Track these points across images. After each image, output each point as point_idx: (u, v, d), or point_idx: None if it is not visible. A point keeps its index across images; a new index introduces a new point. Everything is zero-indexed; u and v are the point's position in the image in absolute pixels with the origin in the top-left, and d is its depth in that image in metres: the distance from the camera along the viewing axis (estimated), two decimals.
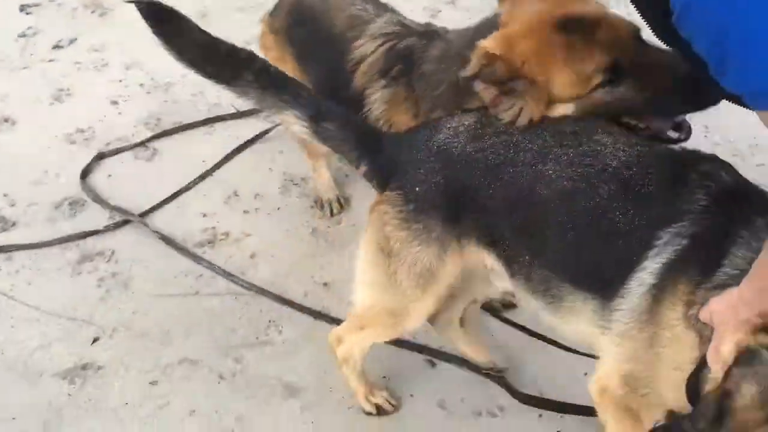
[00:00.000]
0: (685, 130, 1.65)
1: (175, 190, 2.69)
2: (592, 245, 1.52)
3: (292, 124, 1.72)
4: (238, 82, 1.67)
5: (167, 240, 2.48)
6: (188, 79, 3.15)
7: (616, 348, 1.50)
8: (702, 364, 1.28)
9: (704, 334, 1.28)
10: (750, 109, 1.17)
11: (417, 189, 1.65)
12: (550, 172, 1.54)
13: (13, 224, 2.57)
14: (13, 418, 1.98)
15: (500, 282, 1.77)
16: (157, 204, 2.63)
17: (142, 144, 2.91)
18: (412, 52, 1.89)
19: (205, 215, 2.62)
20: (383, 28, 1.98)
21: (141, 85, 3.25)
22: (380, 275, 1.76)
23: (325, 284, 2.35)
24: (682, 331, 1.36)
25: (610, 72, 1.53)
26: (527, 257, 1.60)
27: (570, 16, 1.56)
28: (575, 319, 1.59)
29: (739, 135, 2.80)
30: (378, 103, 1.92)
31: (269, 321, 2.24)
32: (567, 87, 1.55)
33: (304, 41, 2.17)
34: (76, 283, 2.36)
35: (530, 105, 1.53)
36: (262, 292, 2.30)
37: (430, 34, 1.93)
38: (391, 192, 1.69)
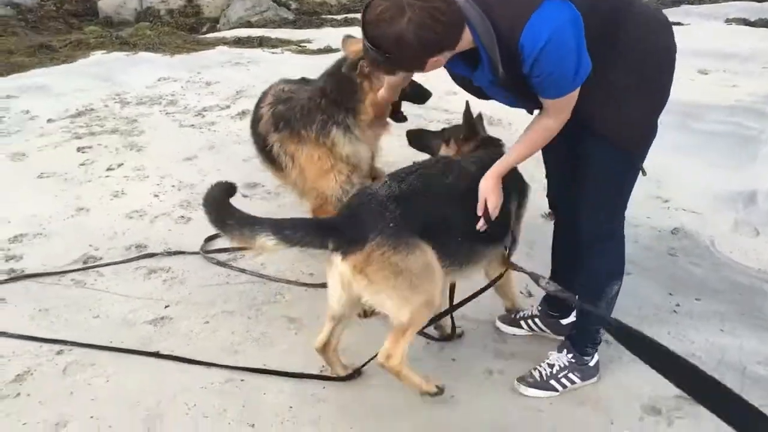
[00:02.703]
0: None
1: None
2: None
3: (266, 243, 2.20)
4: (226, 228, 2.29)
5: (214, 258, 3.81)
6: (205, 182, 4.70)
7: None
8: None
9: None
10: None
11: (391, 225, 2.26)
12: (454, 181, 2.54)
13: (100, 258, 3.87)
14: (122, 342, 3.14)
15: None
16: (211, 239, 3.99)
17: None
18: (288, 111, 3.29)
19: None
20: (269, 98, 3.44)
21: (173, 186, 4.74)
22: (408, 289, 2.28)
23: (311, 274, 3.67)
24: None
25: None
26: (459, 237, 2.48)
27: None
28: (485, 262, 2.74)
29: None
30: (276, 143, 3.33)
31: (277, 293, 3.51)
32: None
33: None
34: (148, 283, 3.62)
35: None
36: (270, 278, 3.61)
37: (286, 99, 3.34)
38: (373, 241, 2.24)
